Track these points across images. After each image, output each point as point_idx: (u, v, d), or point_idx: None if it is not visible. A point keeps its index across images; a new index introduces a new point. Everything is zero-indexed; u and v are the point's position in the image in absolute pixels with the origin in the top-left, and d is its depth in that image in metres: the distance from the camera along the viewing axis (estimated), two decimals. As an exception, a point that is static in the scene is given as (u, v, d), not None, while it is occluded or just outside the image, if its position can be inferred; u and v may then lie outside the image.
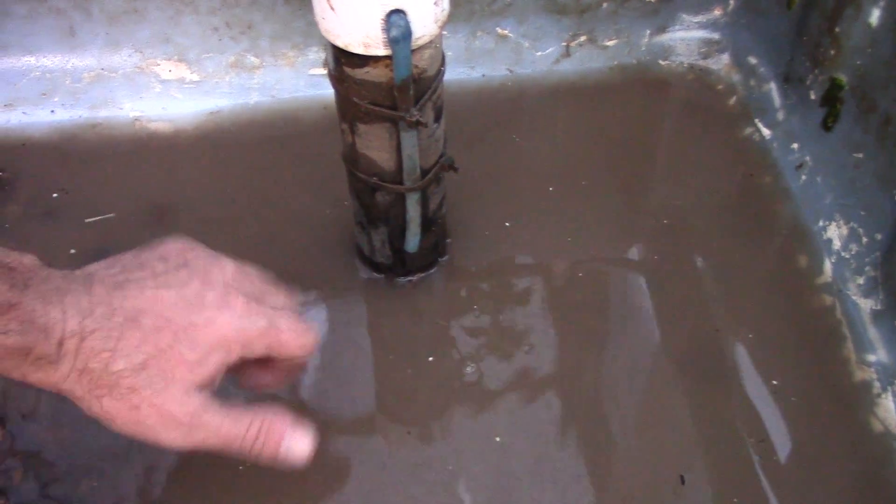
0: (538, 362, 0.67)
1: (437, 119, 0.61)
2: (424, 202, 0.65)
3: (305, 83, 0.85)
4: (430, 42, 0.54)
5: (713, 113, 0.85)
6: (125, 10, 0.81)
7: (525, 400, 0.65)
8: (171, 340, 0.47)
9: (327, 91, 0.85)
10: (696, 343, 0.68)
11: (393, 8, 0.50)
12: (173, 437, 0.48)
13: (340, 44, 0.53)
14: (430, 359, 0.68)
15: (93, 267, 0.49)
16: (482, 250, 0.74)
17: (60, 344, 0.45)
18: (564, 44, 0.86)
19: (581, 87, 0.86)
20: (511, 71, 0.86)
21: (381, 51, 0.53)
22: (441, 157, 0.64)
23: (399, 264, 0.70)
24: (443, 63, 0.58)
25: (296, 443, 0.51)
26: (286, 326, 0.52)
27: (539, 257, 0.74)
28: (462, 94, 0.85)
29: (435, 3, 0.52)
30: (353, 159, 0.63)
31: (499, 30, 0.85)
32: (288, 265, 0.73)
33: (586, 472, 0.61)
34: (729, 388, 0.66)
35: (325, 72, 0.85)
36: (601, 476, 0.61)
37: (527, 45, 0.86)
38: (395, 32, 0.51)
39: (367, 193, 0.65)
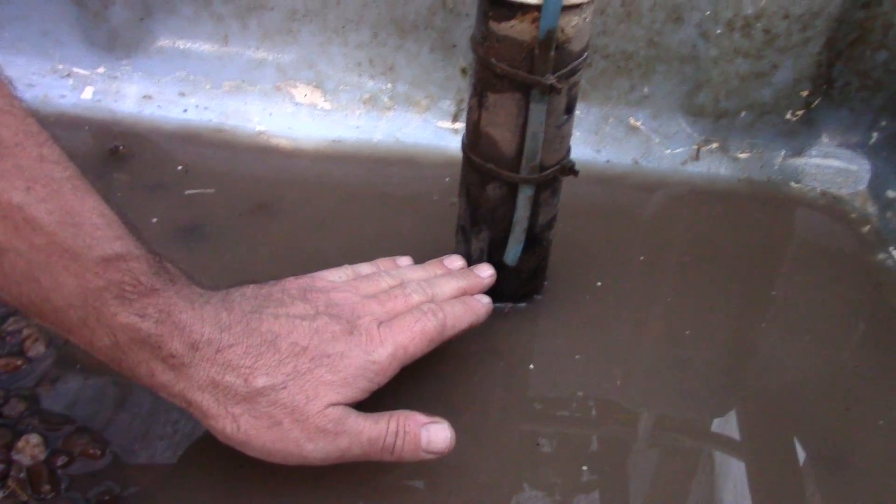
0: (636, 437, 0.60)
1: (569, 111, 0.59)
2: (535, 209, 0.62)
3: (431, 133, 0.85)
4: (581, 6, 0.54)
5: (841, 244, 0.80)
6: (280, 30, 0.85)
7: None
8: (311, 365, 0.48)
9: (450, 144, 0.86)
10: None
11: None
12: (319, 447, 0.48)
13: (493, -12, 0.53)
14: (500, 408, 0.61)
15: (230, 290, 0.51)
16: (576, 303, 0.69)
17: (195, 347, 0.46)
18: (696, 146, 0.85)
19: (705, 192, 0.83)
20: (637, 162, 0.85)
21: (533, -2, 0.52)
22: (562, 159, 0.62)
23: (494, 285, 0.66)
24: (587, 48, 0.58)
25: (436, 432, 0.51)
26: (418, 331, 0.53)
27: (634, 327, 0.68)
28: (584, 176, 0.82)
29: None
30: (473, 142, 0.61)
31: (632, 120, 0.85)
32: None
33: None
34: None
35: (451, 126, 0.85)
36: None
37: (657, 140, 0.85)
38: (551, -26, 0.51)
39: (479, 186, 0.62)
